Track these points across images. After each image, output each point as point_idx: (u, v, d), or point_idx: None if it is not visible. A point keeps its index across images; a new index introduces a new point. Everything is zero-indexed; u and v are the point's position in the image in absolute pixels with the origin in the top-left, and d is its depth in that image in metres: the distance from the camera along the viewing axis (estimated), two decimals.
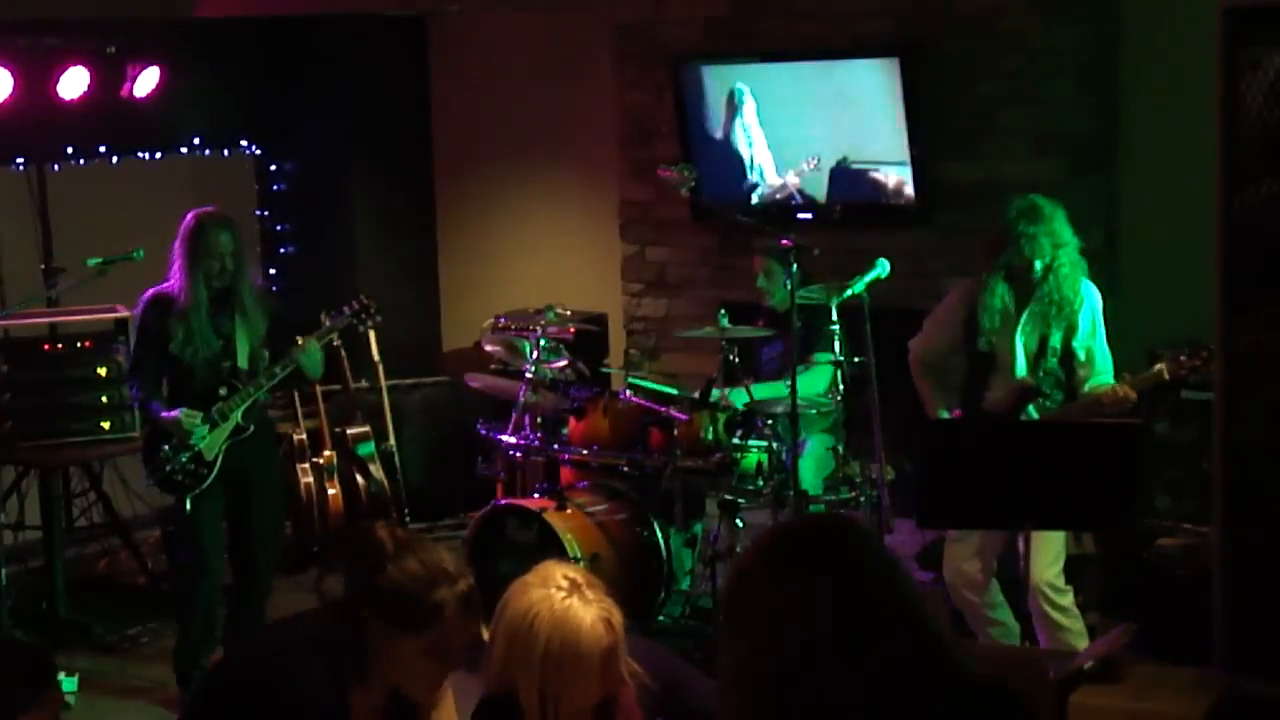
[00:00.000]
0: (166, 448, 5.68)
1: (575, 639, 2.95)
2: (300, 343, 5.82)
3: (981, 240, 5.57)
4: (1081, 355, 5.35)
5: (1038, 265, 5.29)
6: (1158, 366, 5.12)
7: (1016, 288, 5.38)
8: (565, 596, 2.98)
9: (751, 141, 7.43)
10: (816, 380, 6.16)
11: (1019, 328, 5.36)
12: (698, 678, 3.29)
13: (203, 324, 5.67)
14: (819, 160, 7.24)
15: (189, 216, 5.74)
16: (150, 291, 5.76)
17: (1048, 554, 5.24)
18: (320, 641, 3.03)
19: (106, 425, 6.74)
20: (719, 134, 7.51)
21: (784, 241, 5.90)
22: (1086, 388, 5.32)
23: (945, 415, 5.45)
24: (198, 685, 3.61)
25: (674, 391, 6.43)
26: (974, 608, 5.45)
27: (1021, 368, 5.35)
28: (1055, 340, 5.33)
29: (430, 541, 3.10)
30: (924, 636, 2.05)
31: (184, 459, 5.66)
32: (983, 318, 5.40)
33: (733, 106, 7.43)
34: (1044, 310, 5.33)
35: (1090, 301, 5.38)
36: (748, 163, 7.47)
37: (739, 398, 6.22)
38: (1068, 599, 5.30)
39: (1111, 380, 5.30)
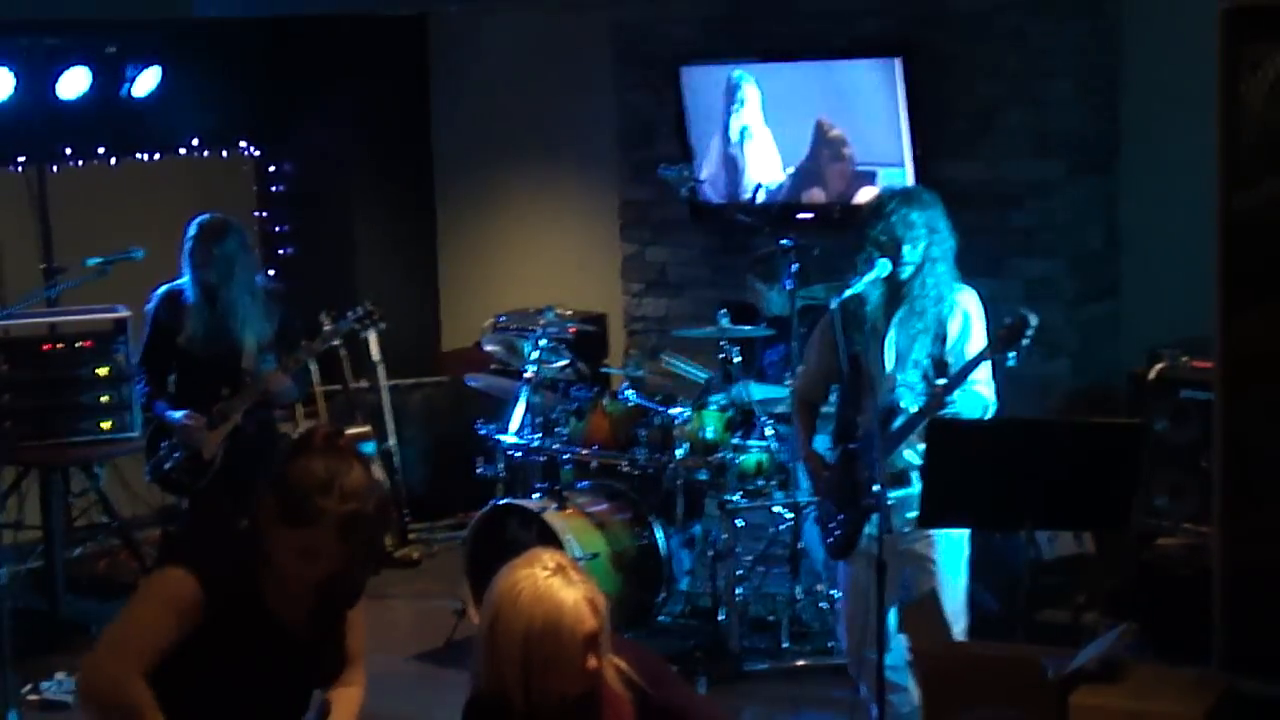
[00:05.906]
0: (165, 445, 5.70)
1: (557, 616, 2.94)
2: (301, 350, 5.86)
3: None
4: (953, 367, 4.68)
5: (908, 260, 4.69)
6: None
7: (887, 292, 4.77)
8: (549, 576, 2.98)
9: (752, 136, 7.36)
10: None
11: (888, 339, 4.78)
12: (676, 678, 3.28)
13: (204, 324, 5.71)
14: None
15: (191, 224, 5.80)
16: (164, 287, 5.84)
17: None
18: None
19: (106, 425, 6.73)
20: (719, 130, 7.48)
21: (782, 242, 5.90)
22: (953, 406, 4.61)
23: (822, 450, 4.90)
24: None
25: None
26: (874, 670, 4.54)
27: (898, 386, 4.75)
28: (920, 352, 4.73)
29: (362, 462, 3.08)
30: None
31: (181, 457, 5.67)
32: (853, 331, 4.76)
33: (731, 98, 7.37)
34: (913, 316, 4.72)
35: (965, 306, 4.74)
36: (749, 161, 7.43)
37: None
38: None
39: (990, 398, 4.71)
